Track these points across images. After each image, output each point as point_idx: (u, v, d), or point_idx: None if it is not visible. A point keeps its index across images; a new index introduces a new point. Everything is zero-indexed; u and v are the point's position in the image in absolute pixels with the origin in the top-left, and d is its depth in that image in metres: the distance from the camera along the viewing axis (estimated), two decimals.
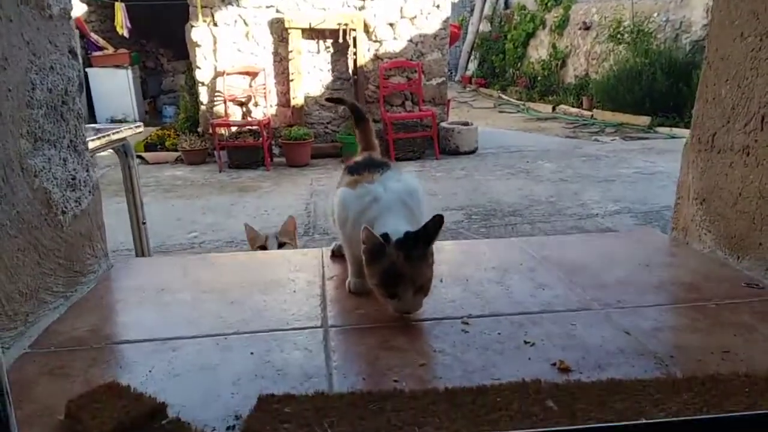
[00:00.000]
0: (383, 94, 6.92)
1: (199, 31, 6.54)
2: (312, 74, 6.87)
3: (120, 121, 8.70)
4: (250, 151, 6.66)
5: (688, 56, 8.21)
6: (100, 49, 8.86)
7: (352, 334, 1.20)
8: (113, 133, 2.19)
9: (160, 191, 5.79)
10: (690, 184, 1.68)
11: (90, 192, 1.47)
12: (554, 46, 11.08)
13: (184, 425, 0.89)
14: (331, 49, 6.84)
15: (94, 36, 8.81)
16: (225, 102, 6.73)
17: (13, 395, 0.74)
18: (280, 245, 2.08)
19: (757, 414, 0.87)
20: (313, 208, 5.07)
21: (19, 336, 1.17)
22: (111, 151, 2.37)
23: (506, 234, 4.17)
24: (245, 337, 1.18)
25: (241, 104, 6.90)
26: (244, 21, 6.60)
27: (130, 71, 8.92)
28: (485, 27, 13.47)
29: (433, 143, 6.93)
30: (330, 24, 6.58)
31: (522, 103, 11.01)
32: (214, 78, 6.72)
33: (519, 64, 12.10)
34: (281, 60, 6.77)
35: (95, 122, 8.55)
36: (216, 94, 6.76)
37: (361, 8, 6.68)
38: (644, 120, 8.33)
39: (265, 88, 6.78)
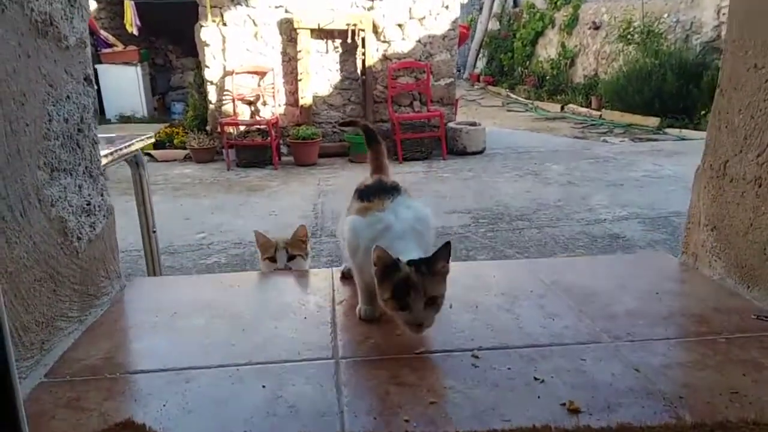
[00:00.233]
0: (391, 95, 6.91)
1: (208, 31, 6.55)
2: (320, 74, 6.87)
3: (128, 118, 8.75)
4: (258, 150, 6.69)
5: (699, 57, 8.15)
6: (110, 46, 8.90)
7: (363, 367, 1.21)
8: (125, 147, 2.20)
9: (169, 189, 5.82)
10: (701, 209, 1.68)
11: (104, 216, 1.48)
12: (563, 45, 11.03)
13: None
14: (340, 50, 6.84)
15: (103, 33, 8.85)
16: (233, 101, 6.75)
17: (30, 429, 0.75)
18: (291, 258, 2.08)
19: None
20: (321, 208, 5.08)
21: (35, 365, 1.19)
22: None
23: (513, 238, 4.17)
24: (257, 368, 1.20)
25: (250, 103, 6.92)
26: (253, 21, 6.60)
27: (139, 68, 8.96)
28: (494, 25, 13.42)
29: (441, 143, 6.93)
30: (339, 24, 6.58)
31: (530, 102, 10.97)
32: (223, 77, 6.73)
33: (528, 63, 12.05)
34: (290, 60, 6.78)
35: (104, 118, 8.60)
36: (225, 93, 6.78)
37: (370, 9, 6.67)
38: (653, 121, 8.29)
39: (273, 88, 6.79)
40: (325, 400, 1.08)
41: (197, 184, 6.08)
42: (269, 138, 6.58)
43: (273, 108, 6.86)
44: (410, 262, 1.19)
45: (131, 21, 8.25)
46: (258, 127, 6.76)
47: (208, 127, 7.07)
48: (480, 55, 13.86)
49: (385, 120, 7.00)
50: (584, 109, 9.68)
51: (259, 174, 6.45)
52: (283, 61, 6.79)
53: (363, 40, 6.66)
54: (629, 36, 9.32)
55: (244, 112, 6.90)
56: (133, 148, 2.29)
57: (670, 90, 7.98)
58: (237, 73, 6.67)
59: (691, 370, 1.18)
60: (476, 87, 13.46)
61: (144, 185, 2.51)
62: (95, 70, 8.12)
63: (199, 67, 7.21)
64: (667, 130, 8.05)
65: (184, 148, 7.07)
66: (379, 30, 6.77)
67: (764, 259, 1.43)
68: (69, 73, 1.32)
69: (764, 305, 1.43)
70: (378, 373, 1.18)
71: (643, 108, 8.37)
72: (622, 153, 7.00)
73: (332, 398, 1.09)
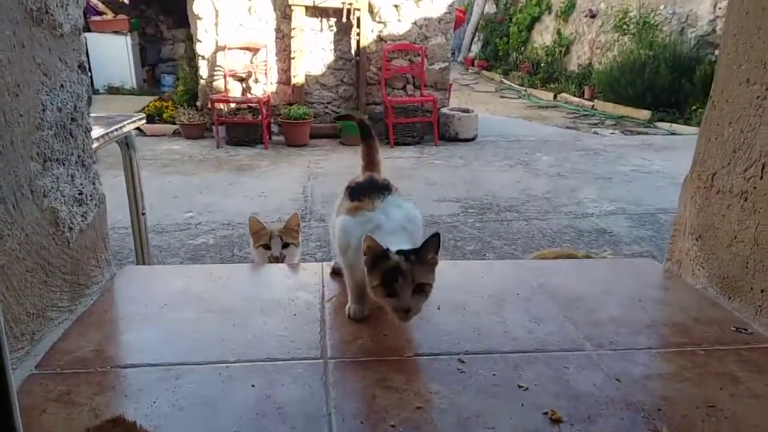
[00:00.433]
0: (385, 77, 6.86)
1: (200, 4, 6.44)
2: (314, 53, 6.80)
3: (117, 89, 8.60)
4: (249, 128, 6.63)
5: (693, 51, 8.17)
6: (99, 14, 8.71)
7: (351, 368, 1.23)
8: (116, 129, 2.18)
9: (157, 165, 5.77)
10: (687, 218, 1.71)
11: (96, 205, 1.48)
12: (559, 33, 10.99)
13: None
14: (335, 29, 6.76)
15: (93, 0, 8.65)
16: (225, 77, 6.67)
17: (22, 423, 0.75)
18: (284, 246, 2.11)
19: None
20: (311, 192, 5.08)
21: (25, 356, 1.20)
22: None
23: (501, 230, 4.20)
24: (247, 366, 1.21)
25: (241, 80, 6.84)
26: None
27: (129, 38, 8.79)
28: (490, 8, 13.32)
29: (433, 129, 6.92)
30: (334, 2, 6.50)
31: (524, 89, 10.96)
32: (215, 52, 6.64)
33: (522, 49, 12.01)
34: (283, 37, 6.69)
35: (93, 88, 8.45)
36: (216, 68, 6.69)
37: None
38: (645, 114, 8.32)
39: (266, 65, 6.72)
40: (313, 402, 1.11)
41: (186, 161, 6.03)
42: (260, 116, 6.52)
43: (265, 86, 6.79)
44: (399, 252, 1.22)
45: None
46: (249, 104, 6.69)
47: (198, 103, 6.99)
48: (475, 39, 13.77)
49: (377, 102, 6.96)
50: (577, 99, 9.70)
51: (249, 153, 6.41)
52: (276, 38, 6.71)
53: (358, 19, 6.59)
54: (625, 26, 9.30)
55: (235, 89, 6.82)
56: (124, 130, 2.27)
57: (662, 83, 8.00)
58: (229, 49, 6.58)
59: (670, 382, 1.21)
60: (470, 71, 13.41)
61: (134, 167, 2.50)
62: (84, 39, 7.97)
63: (190, 38, 7.09)
64: (658, 123, 8.09)
65: (174, 123, 6.99)
66: (375, 10, 6.70)
67: (746, 272, 1.47)
68: (63, 61, 1.31)
69: (744, 317, 1.47)
70: (366, 375, 1.20)
71: (635, 100, 8.39)
72: (612, 146, 7.03)
73: (320, 400, 1.11)
